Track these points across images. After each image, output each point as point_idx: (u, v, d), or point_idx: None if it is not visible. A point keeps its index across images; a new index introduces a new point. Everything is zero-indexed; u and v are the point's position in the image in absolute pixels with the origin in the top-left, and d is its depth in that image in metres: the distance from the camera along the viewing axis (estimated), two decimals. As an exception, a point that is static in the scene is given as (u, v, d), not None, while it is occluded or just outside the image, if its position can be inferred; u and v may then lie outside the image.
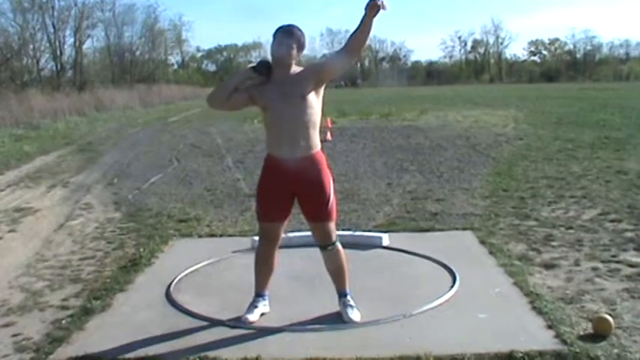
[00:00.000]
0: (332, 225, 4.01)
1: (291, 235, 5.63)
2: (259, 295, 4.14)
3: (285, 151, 3.89)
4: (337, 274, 4.09)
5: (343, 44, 3.87)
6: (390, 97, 37.37)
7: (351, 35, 3.80)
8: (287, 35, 3.85)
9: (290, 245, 5.32)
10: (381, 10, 3.66)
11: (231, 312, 4.12)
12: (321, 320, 3.99)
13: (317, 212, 3.97)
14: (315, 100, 3.87)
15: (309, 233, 5.81)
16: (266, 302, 4.16)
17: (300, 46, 3.88)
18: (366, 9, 3.65)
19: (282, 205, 4.00)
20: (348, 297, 4.08)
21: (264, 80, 3.89)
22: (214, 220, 7.09)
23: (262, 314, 4.09)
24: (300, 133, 3.85)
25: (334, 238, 4.03)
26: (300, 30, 3.91)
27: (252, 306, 4.09)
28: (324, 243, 4.03)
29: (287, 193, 3.97)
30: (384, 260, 5.29)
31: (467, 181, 8.99)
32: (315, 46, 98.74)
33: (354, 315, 3.97)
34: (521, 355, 3.38)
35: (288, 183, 3.93)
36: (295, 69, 3.90)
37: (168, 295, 4.56)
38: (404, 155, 11.87)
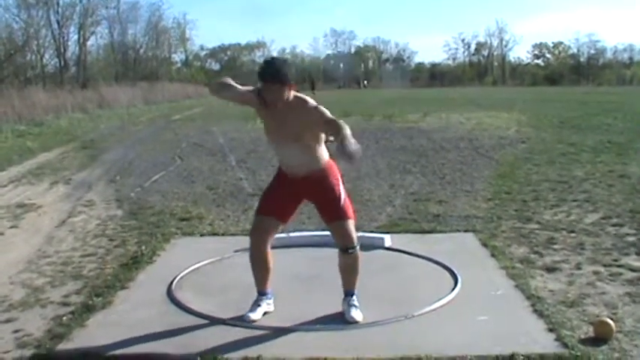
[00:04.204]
0: (350, 224, 3.95)
1: (292, 235, 5.64)
2: (261, 293, 4.13)
3: (290, 171, 4.00)
4: (349, 274, 4.05)
5: (335, 121, 3.66)
6: (393, 98, 37.34)
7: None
8: (272, 82, 3.71)
9: (292, 245, 5.33)
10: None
11: (233, 311, 4.12)
12: (323, 320, 3.99)
13: (331, 212, 3.96)
14: (309, 132, 3.82)
15: (310, 233, 5.85)
16: (270, 301, 4.15)
17: (288, 81, 3.75)
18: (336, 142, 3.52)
19: (284, 203, 4.01)
20: (354, 297, 4.07)
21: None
22: (216, 218, 7.10)
23: (265, 313, 4.09)
24: (297, 160, 3.93)
25: (355, 241, 3.95)
26: (284, 64, 3.80)
27: (256, 304, 4.08)
28: (344, 245, 3.94)
29: (293, 196, 4.01)
30: (385, 261, 5.29)
31: (469, 183, 8.98)
32: (319, 46, 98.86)
33: (357, 315, 3.97)
34: (522, 357, 3.38)
35: (297, 189, 3.99)
36: (292, 101, 3.80)
37: (169, 293, 4.56)
38: (407, 157, 11.87)
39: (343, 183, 4.08)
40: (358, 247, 4.00)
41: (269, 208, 4.05)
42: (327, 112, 3.74)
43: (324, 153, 3.99)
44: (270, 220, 4.04)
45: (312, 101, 3.85)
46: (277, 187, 4.09)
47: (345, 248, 3.96)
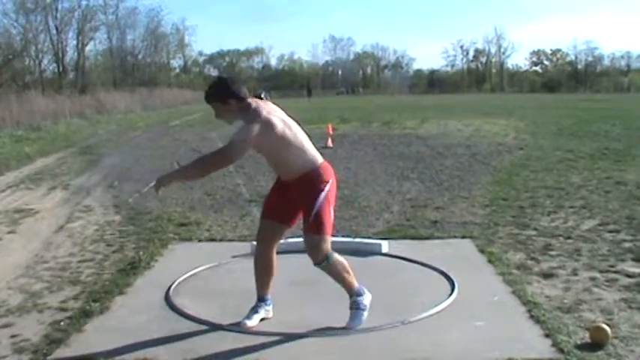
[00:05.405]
0: (316, 240, 3.87)
1: (290, 240, 5.64)
2: (261, 299, 4.14)
3: (280, 176, 4.08)
4: (335, 281, 4.05)
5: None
6: (392, 104, 37.40)
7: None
8: (207, 102, 3.94)
9: (289, 251, 5.32)
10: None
11: (230, 316, 4.12)
12: (320, 326, 3.99)
13: (305, 222, 3.91)
14: (267, 145, 3.81)
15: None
16: (269, 308, 4.15)
17: (228, 98, 3.82)
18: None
19: (281, 206, 4.01)
20: (354, 298, 4.00)
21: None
22: (214, 224, 7.11)
23: (263, 319, 4.09)
24: (275, 168, 4.04)
25: (320, 258, 3.88)
26: (215, 83, 3.96)
27: (253, 311, 4.09)
28: (311, 259, 3.93)
29: (289, 199, 3.99)
30: (383, 267, 5.30)
31: (467, 189, 9.00)
32: (318, 52, 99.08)
33: (354, 320, 3.95)
34: (518, 363, 3.39)
35: (289, 192, 3.98)
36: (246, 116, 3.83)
37: (167, 299, 4.57)
38: (404, 163, 11.89)
39: (329, 196, 3.91)
40: (331, 262, 3.91)
41: (268, 212, 4.09)
42: (237, 132, 3.77)
43: (298, 162, 3.87)
44: (271, 223, 4.06)
45: (251, 118, 3.77)
46: (274, 191, 4.13)
47: (313, 263, 3.94)
